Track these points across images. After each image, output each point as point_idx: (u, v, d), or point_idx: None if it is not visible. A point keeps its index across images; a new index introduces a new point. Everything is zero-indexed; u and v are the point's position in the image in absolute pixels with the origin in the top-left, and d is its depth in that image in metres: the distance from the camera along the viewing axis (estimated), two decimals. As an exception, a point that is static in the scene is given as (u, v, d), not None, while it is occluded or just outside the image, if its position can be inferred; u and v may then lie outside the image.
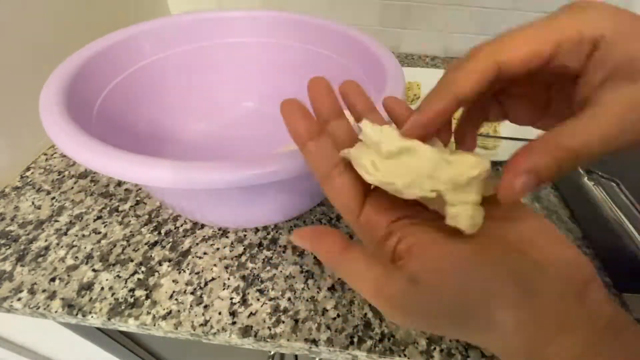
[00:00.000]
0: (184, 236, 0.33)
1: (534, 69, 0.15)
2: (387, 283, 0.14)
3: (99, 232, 0.33)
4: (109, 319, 0.27)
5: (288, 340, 0.26)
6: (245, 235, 0.33)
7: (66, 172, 0.40)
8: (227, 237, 0.33)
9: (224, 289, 0.29)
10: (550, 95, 0.18)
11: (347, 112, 0.19)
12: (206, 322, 0.27)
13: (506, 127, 0.47)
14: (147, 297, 0.29)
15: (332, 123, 0.18)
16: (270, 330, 0.27)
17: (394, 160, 0.15)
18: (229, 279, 0.30)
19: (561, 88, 0.17)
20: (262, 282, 0.30)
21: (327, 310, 0.28)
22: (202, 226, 0.34)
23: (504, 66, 0.14)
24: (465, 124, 0.20)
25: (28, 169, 0.40)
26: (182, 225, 0.34)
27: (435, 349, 0.26)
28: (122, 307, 0.28)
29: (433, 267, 0.14)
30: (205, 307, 0.28)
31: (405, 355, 0.26)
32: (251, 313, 0.28)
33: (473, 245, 0.14)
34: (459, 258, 0.14)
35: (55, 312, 0.28)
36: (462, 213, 0.14)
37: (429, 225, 0.16)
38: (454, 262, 0.14)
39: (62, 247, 0.32)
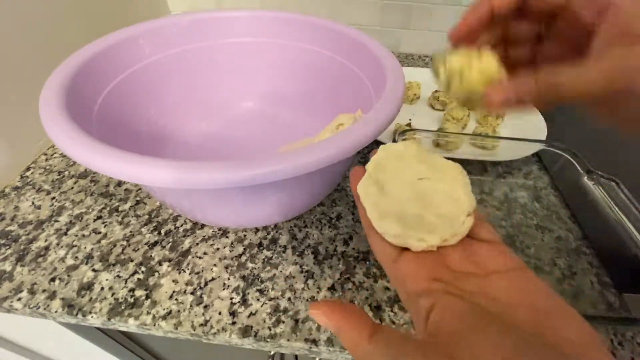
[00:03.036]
0: (184, 236, 0.33)
1: (555, 8, 0.19)
2: None
3: (99, 232, 0.33)
4: (109, 319, 0.27)
5: (288, 340, 0.26)
6: (245, 235, 0.33)
7: (66, 172, 0.40)
8: (227, 237, 0.33)
9: (224, 289, 0.29)
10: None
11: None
12: (206, 322, 0.27)
13: (505, 128, 0.47)
14: (147, 297, 0.29)
15: None
16: (270, 330, 0.27)
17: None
18: (229, 279, 0.30)
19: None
20: (262, 282, 0.30)
21: (327, 310, 0.28)
22: (202, 226, 0.34)
23: None
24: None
25: (28, 169, 0.40)
26: (182, 225, 0.34)
27: (435, 349, 0.26)
28: (122, 307, 0.28)
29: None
30: (205, 307, 0.28)
31: (405, 355, 0.26)
32: (251, 313, 0.28)
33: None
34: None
35: (55, 312, 0.28)
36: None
37: (464, 298, 0.14)
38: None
39: (62, 247, 0.32)
